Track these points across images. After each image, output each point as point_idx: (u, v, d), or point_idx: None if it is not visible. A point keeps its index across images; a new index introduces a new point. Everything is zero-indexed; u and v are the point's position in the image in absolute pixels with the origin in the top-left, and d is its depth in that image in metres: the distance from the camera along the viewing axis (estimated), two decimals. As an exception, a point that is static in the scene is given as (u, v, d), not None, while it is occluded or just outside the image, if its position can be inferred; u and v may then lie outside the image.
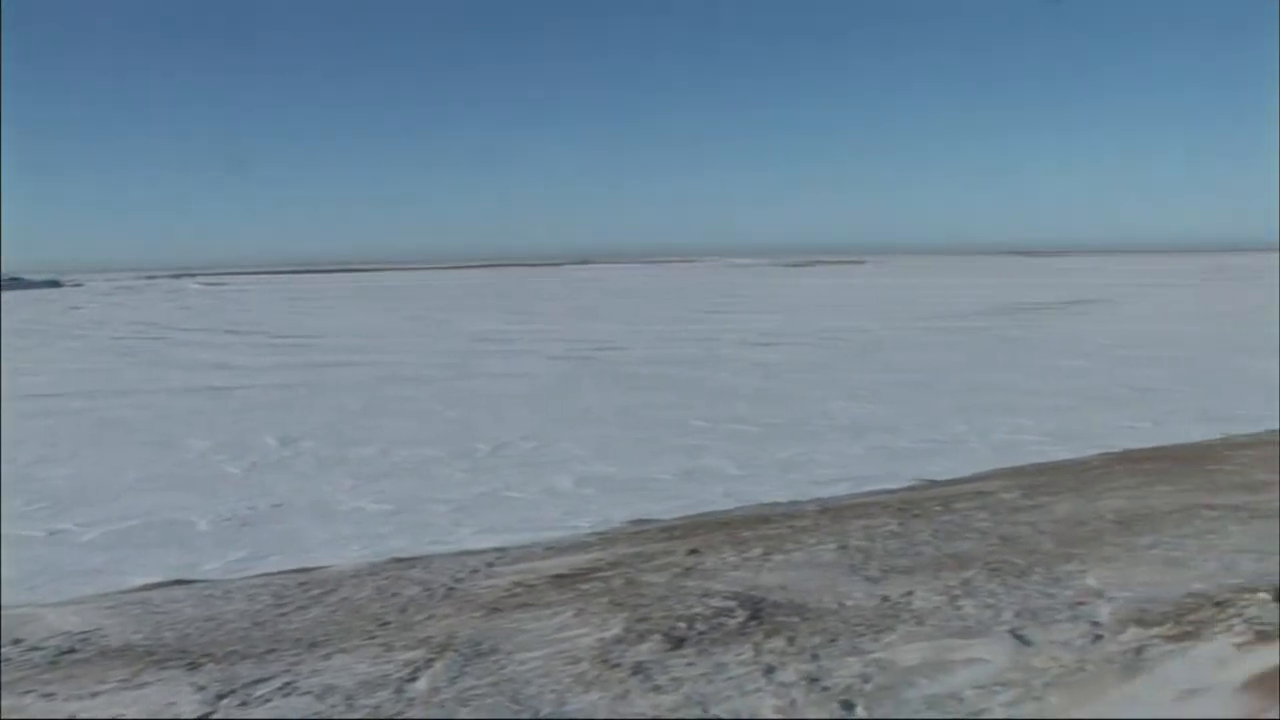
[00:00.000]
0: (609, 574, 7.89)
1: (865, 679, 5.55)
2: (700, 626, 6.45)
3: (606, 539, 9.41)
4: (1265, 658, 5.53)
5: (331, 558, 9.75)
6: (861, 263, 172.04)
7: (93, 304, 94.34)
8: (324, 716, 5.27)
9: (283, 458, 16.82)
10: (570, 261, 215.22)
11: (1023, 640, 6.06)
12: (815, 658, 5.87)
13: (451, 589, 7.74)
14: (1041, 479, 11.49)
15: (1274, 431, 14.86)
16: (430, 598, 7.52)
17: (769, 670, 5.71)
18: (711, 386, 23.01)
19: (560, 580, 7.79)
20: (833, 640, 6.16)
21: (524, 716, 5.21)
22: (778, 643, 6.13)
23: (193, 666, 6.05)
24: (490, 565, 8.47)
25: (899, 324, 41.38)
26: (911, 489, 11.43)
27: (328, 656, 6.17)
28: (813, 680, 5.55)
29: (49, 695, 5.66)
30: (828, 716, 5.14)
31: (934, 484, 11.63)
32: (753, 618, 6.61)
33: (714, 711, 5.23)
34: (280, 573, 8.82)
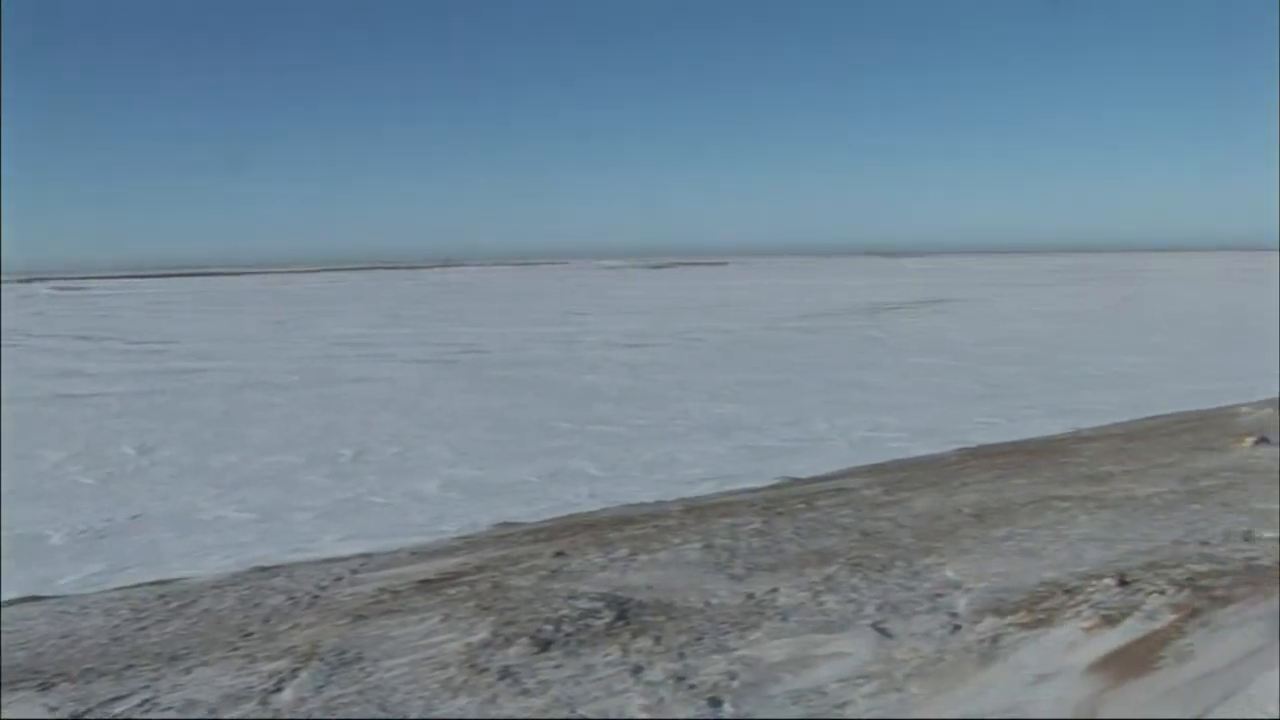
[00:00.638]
0: (475, 578, 7.81)
1: (731, 676, 5.59)
2: (567, 628, 6.43)
3: (472, 543, 9.32)
4: (1111, 640, 5.75)
5: (192, 569, 9.47)
6: (726, 264, 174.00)
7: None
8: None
9: (140, 467, 16.28)
10: (439, 264, 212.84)
11: (884, 633, 6.18)
12: (682, 656, 5.89)
13: (316, 597, 7.58)
14: (901, 475, 11.75)
15: (1120, 425, 15.48)
16: (294, 607, 7.35)
17: (636, 670, 5.71)
18: (576, 389, 23.00)
19: (426, 585, 7.69)
20: (699, 638, 6.19)
21: (392, 718, 5.13)
22: (645, 642, 6.14)
23: (45, 687, 5.80)
24: (355, 572, 8.33)
25: (763, 324, 41.96)
26: (775, 487, 11.58)
27: (189, 670, 5.99)
28: (680, 679, 5.57)
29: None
30: (695, 715, 5.17)
31: (797, 482, 11.79)
32: (620, 618, 6.61)
33: (582, 712, 5.21)
34: (139, 586, 8.53)
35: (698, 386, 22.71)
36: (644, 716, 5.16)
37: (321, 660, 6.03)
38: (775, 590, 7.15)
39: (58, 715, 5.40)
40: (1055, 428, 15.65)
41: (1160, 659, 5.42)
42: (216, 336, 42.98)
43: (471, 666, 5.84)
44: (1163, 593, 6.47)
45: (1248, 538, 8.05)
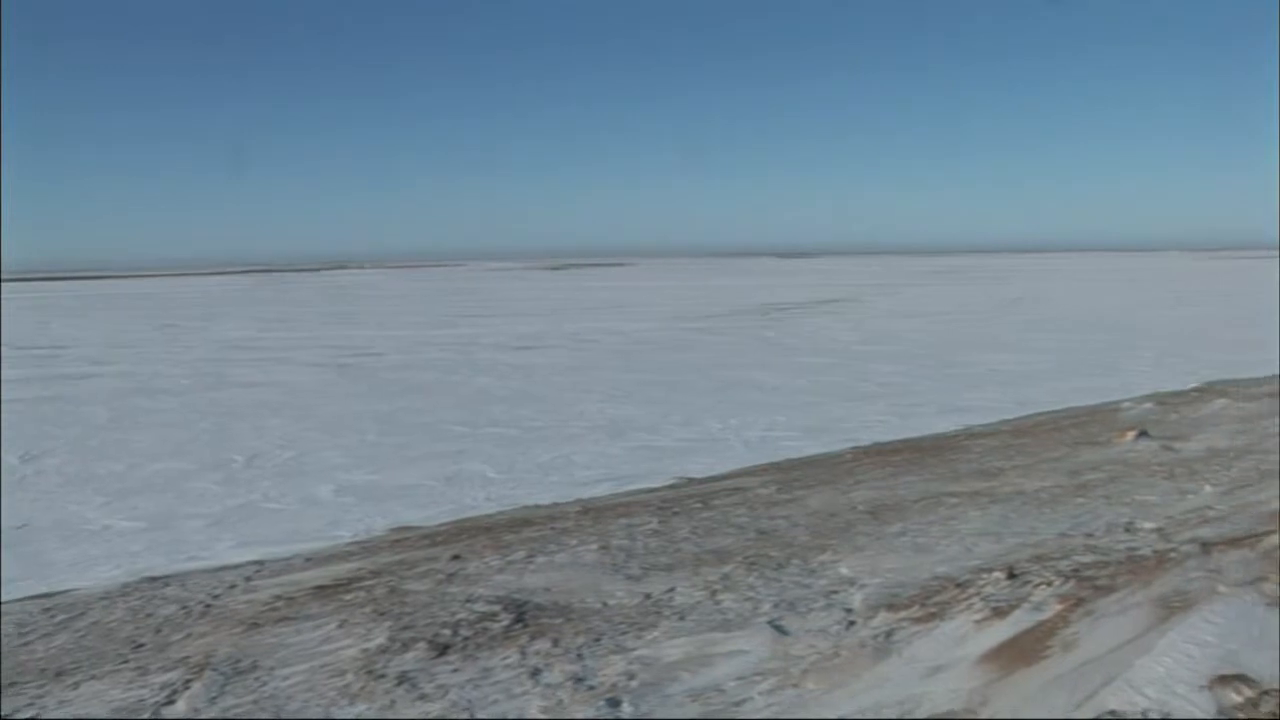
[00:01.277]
0: (372, 583, 7.71)
1: (630, 676, 5.61)
2: (465, 632, 6.38)
3: (368, 548, 9.19)
4: (1001, 631, 5.89)
5: (80, 580, 9.14)
6: (628, 265, 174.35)
7: None
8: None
9: (24, 476, 15.68)
10: (330, 267, 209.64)
11: (781, 630, 6.25)
12: (580, 658, 5.89)
13: (209, 606, 7.41)
14: (796, 474, 11.87)
15: (1008, 421, 15.84)
16: (187, 616, 7.18)
17: (535, 672, 5.69)
18: (470, 391, 22.79)
19: (322, 591, 7.57)
20: (597, 639, 6.19)
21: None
22: (543, 644, 6.12)
23: (-87, 709, 5.57)
24: (249, 579, 8.16)
25: (655, 325, 42.14)
26: (671, 487, 11.61)
27: (76, 685, 5.81)
28: (578, 680, 5.57)
29: None
30: (594, 715, 5.16)
31: (693, 482, 11.84)
32: (517, 621, 6.58)
33: (480, 716, 5.18)
34: (23, 599, 8.23)
35: (593, 388, 22.70)
36: (543, 718, 5.15)
37: (215, 670, 5.91)
38: (672, 590, 7.18)
39: None
40: (946, 425, 15.94)
41: (1048, 648, 5.57)
42: (104, 341, 41.78)
43: (369, 673, 5.77)
44: (1049, 584, 6.66)
45: (1129, 529, 8.32)
